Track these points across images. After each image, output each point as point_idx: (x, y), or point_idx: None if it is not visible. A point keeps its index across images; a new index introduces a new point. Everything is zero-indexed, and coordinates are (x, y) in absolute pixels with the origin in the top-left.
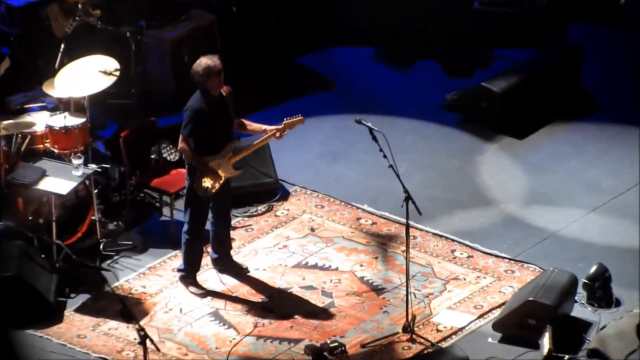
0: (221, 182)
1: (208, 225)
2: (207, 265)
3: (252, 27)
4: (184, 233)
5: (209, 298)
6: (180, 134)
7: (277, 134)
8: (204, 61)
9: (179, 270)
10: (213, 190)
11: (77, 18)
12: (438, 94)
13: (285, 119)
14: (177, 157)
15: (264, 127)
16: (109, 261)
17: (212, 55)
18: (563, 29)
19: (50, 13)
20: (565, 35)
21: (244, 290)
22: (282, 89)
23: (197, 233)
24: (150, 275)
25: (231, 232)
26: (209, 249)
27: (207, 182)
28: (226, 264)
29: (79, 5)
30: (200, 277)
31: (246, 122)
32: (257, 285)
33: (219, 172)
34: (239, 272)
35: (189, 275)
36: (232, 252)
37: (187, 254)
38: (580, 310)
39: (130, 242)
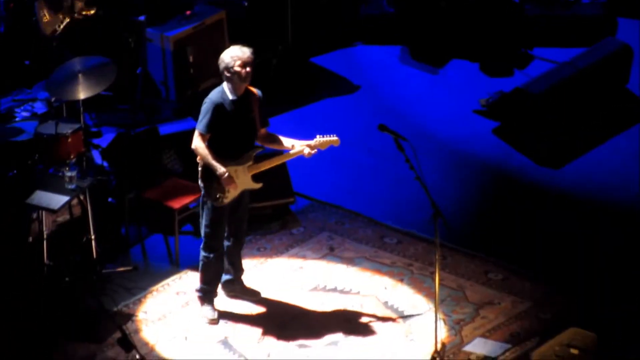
0: (236, 192)
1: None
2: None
3: (266, 24)
4: (201, 249)
5: (218, 324)
6: (195, 128)
7: (306, 151)
8: (232, 49)
9: (196, 290)
10: (226, 200)
11: (68, 14)
12: (472, 98)
13: (318, 136)
14: (181, 169)
15: (293, 142)
16: (105, 284)
17: (243, 44)
18: (612, 26)
19: (37, 8)
20: (614, 33)
21: (256, 316)
22: (299, 92)
23: (215, 249)
24: (152, 300)
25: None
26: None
27: (220, 189)
28: (237, 289)
29: (71, 1)
30: None
31: (276, 135)
32: (271, 310)
33: (236, 180)
34: (251, 297)
35: (206, 296)
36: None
37: (204, 273)
38: None
39: (130, 267)
